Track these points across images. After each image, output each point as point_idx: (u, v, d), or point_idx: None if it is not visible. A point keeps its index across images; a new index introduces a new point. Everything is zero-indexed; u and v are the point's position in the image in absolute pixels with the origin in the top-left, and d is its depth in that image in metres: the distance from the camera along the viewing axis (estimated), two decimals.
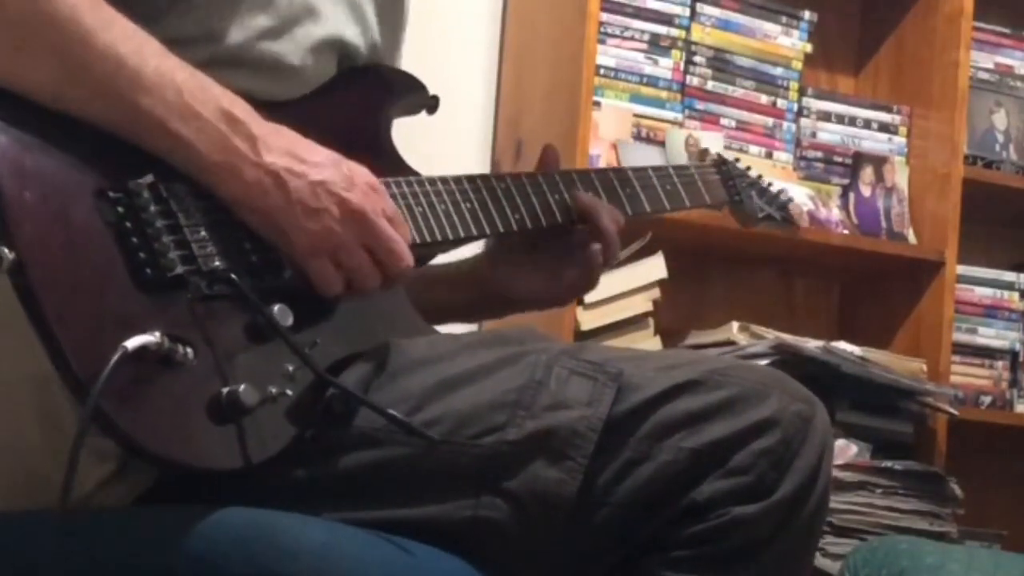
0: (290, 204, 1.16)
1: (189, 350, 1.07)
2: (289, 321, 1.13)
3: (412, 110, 1.46)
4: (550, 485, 1.12)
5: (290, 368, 1.13)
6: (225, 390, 1.07)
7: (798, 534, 1.16)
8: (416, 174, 1.33)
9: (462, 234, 1.32)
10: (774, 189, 1.71)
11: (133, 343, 1.03)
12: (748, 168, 1.70)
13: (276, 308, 1.13)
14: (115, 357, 1.01)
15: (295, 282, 1.17)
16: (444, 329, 1.46)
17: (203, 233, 1.13)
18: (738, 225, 1.71)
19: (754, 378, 1.18)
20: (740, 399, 1.15)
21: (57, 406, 1.07)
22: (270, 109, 1.20)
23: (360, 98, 1.37)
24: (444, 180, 1.32)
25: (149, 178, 1.12)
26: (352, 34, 1.38)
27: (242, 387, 1.07)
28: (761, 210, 1.68)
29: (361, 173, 1.21)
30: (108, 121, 1.13)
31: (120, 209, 1.10)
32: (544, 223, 1.40)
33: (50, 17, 1.10)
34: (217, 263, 1.12)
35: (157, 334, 1.04)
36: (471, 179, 1.35)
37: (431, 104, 1.44)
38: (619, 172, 1.50)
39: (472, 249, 1.50)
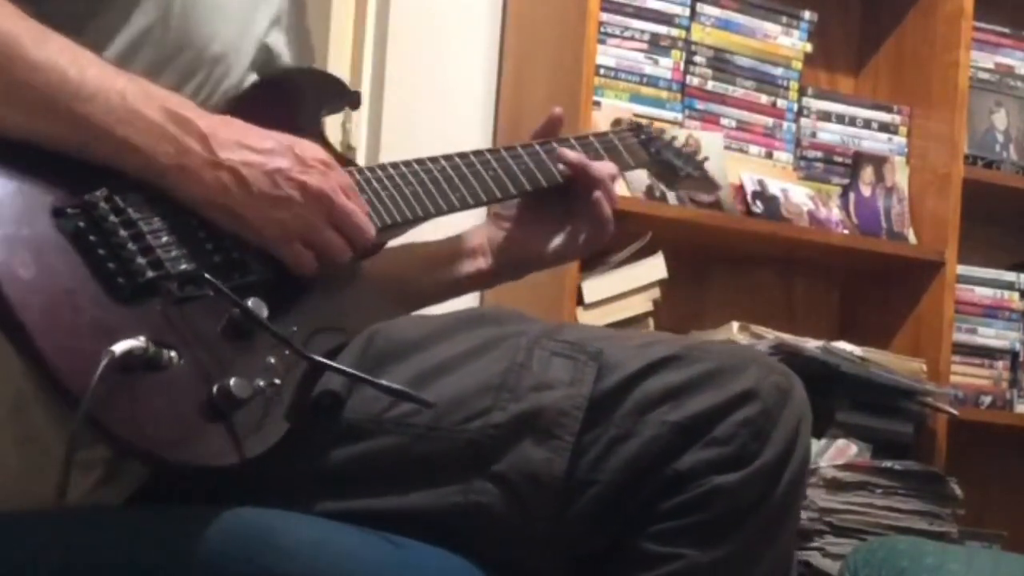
0: (252, 198, 1.17)
1: (173, 353, 1.07)
2: (264, 314, 1.14)
3: (337, 108, 1.47)
4: (539, 465, 1.13)
5: (272, 360, 1.13)
6: (215, 386, 1.08)
7: (778, 504, 1.16)
8: (354, 164, 1.34)
9: (410, 216, 1.34)
10: (688, 150, 1.74)
11: (120, 347, 1.03)
12: (662, 131, 1.72)
13: (250, 302, 1.13)
14: (103, 362, 1.02)
15: (261, 279, 1.18)
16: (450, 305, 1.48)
17: (165, 238, 1.13)
18: (664, 186, 1.74)
19: (730, 352, 1.19)
20: (719, 372, 1.16)
21: (36, 429, 1.07)
22: None
23: (287, 103, 1.36)
24: (383, 167, 1.35)
25: (104, 191, 1.12)
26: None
27: (232, 380, 1.08)
28: (681, 169, 1.70)
29: (312, 151, 1.22)
30: (54, 136, 1.12)
31: (81, 224, 1.10)
32: (486, 199, 1.43)
33: None
34: (184, 265, 1.13)
35: (142, 338, 1.05)
36: (408, 163, 1.37)
37: (353, 100, 1.46)
38: (545, 144, 1.51)
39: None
